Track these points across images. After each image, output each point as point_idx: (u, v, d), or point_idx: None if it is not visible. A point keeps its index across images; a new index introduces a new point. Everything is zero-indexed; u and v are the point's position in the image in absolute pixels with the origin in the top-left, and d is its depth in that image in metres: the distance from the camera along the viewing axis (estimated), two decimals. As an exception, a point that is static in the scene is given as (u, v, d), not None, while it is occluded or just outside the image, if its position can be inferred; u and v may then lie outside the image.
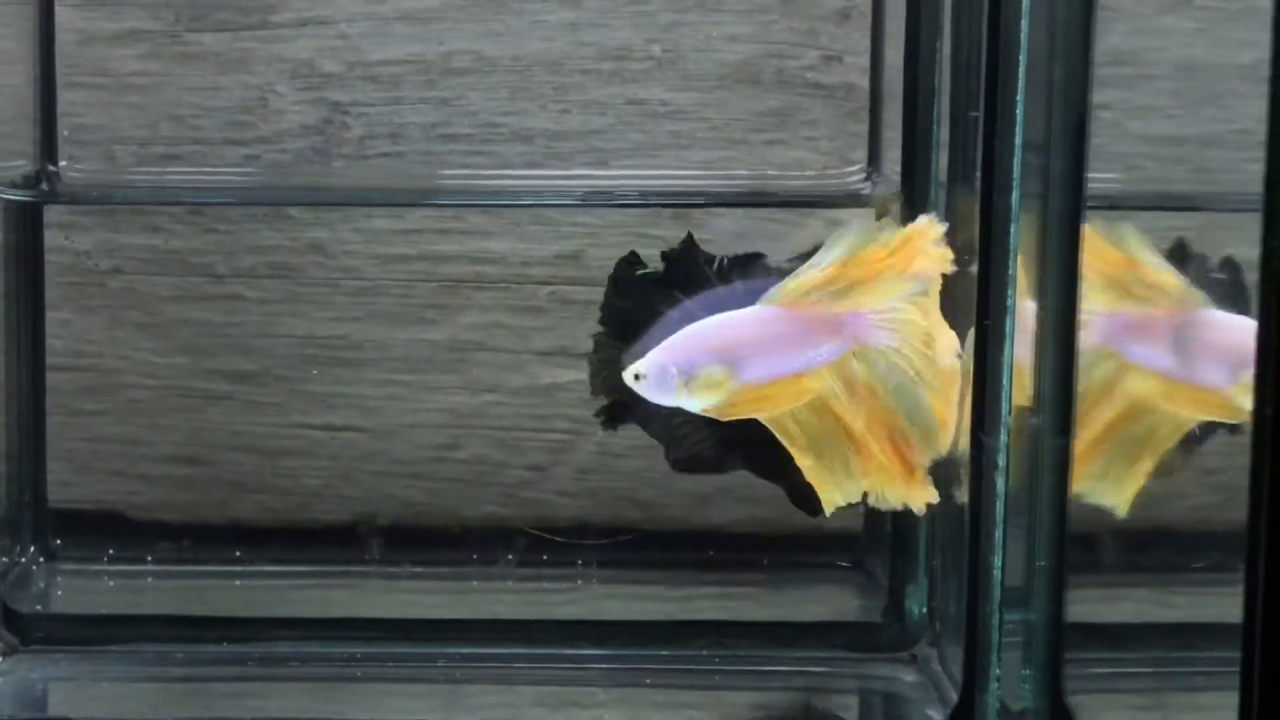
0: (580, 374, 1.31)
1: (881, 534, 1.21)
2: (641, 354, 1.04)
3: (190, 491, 1.28)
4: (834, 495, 1.03)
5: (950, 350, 1.02)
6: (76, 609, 1.08)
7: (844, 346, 1.02)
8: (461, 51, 1.27)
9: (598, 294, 1.31)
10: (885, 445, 1.03)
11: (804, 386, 1.02)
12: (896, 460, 1.02)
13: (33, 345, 1.22)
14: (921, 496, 1.03)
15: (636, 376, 1.04)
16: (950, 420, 1.02)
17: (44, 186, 1.21)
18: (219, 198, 1.27)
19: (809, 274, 1.03)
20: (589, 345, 1.31)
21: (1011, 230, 0.97)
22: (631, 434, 1.32)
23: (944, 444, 1.02)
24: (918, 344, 1.01)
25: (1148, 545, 1.15)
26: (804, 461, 1.02)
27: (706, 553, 1.26)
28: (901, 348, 1.01)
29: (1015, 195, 0.97)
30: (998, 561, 1.00)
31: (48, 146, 1.23)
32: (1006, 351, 0.98)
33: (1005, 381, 0.99)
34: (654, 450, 1.31)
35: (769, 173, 1.27)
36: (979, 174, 0.99)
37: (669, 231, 1.31)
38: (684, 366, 1.03)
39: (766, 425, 1.02)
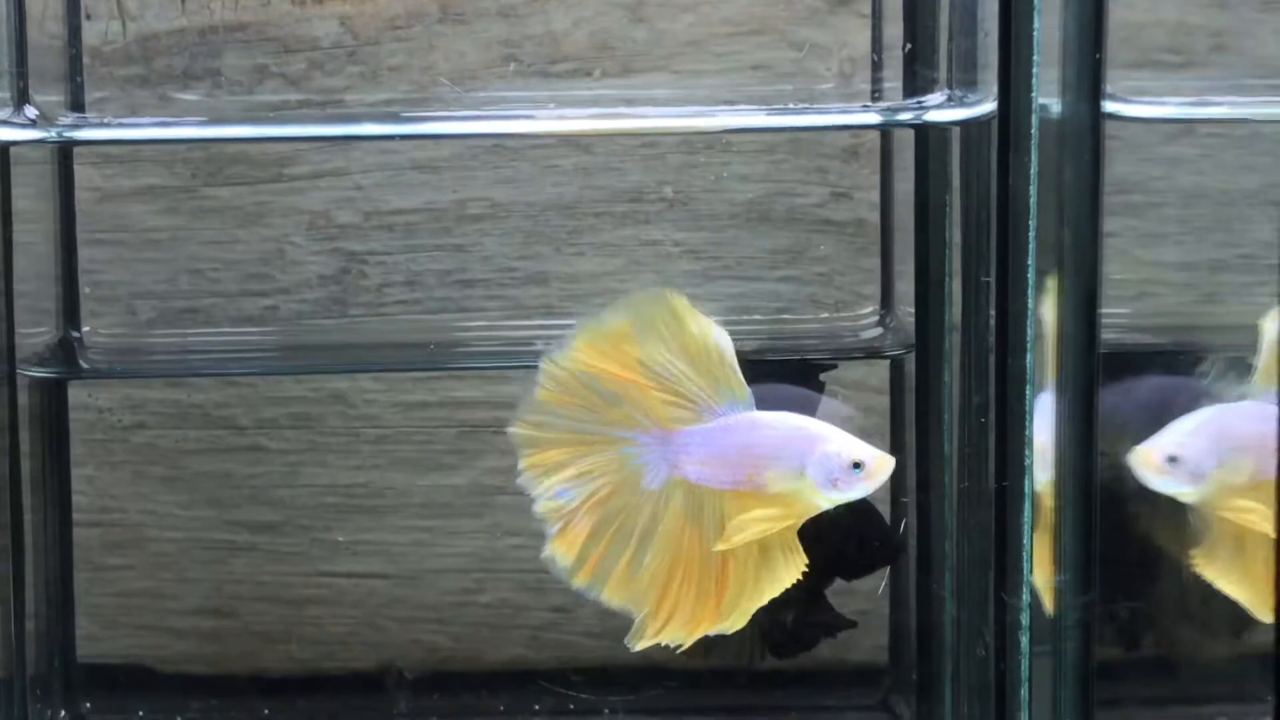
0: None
1: (906, 675, 1.21)
2: None
3: (217, 644, 1.29)
4: None
5: None
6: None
7: None
8: (476, 199, 1.28)
9: (616, 434, 1.32)
10: None
11: None
12: None
13: (59, 502, 1.23)
14: None
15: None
16: None
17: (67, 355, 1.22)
18: (241, 368, 1.28)
19: None
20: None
21: (1026, 393, 0.98)
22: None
23: None
24: None
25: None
26: None
27: (731, 690, 1.27)
28: None
29: (1029, 359, 0.98)
30: (1025, 718, 1.01)
31: (69, 306, 1.24)
32: (1025, 512, 0.99)
33: (1025, 542, 1.00)
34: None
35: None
36: (993, 335, 1.01)
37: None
38: None
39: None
